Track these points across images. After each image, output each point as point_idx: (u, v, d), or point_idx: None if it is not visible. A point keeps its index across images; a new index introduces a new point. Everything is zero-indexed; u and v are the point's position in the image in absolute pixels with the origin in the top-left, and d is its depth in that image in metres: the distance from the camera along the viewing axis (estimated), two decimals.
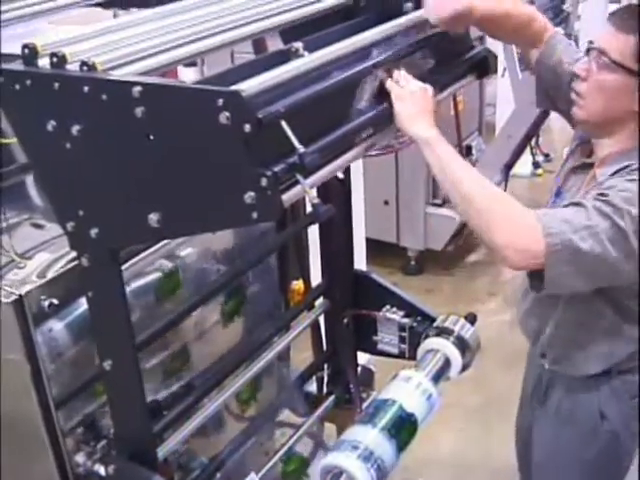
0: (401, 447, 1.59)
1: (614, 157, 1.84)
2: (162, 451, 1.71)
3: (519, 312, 2.16)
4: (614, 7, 5.48)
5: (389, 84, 1.63)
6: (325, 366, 2.36)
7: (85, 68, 1.33)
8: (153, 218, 1.33)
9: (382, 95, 1.62)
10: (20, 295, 1.57)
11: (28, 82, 1.35)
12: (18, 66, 1.38)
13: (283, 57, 1.53)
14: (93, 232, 1.41)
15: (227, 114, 1.20)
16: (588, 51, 1.83)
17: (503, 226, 1.68)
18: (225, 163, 1.26)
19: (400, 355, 2.17)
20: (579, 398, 2.04)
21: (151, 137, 1.28)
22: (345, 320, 2.25)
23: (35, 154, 1.44)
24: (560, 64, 1.97)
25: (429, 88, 1.67)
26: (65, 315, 1.69)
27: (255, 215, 1.26)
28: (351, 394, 2.28)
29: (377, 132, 1.60)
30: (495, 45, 2.18)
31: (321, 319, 2.32)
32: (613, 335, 1.95)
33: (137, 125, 1.27)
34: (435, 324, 1.96)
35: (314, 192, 1.36)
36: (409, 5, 1.84)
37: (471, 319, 1.96)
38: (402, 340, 2.15)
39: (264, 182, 1.23)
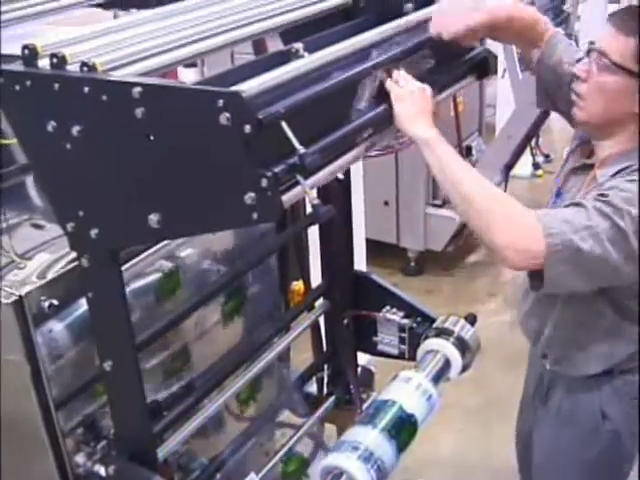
0: (401, 448, 1.59)
1: (614, 158, 1.84)
2: (162, 452, 1.71)
3: (519, 313, 2.16)
4: (614, 7, 5.50)
5: (388, 84, 1.63)
6: (325, 367, 2.36)
7: (85, 69, 1.33)
8: (153, 219, 1.33)
9: (382, 95, 1.62)
10: (20, 296, 1.57)
11: (28, 83, 1.35)
12: (18, 67, 1.38)
13: (283, 58, 1.53)
14: (93, 233, 1.41)
15: (227, 115, 1.20)
16: (589, 52, 1.83)
17: (503, 226, 1.68)
18: (225, 164, 1.26)
19: (400, 356, 2.18)
20: (580, 398, 2.04)
21: (151, 138, 1.28)
22: (345, 321, 2.25)
23: (35, 155, 1.44)
24: (560, 64, 1.97)
25: (427, 88, 1.67)
26: (65, 316, 1.69)
27: (255, 216, 1.26)
28: (351, 395, 2.28)
29: (377, 133, 1.60)
30: (495, 46, 2.18)
31: (321, 320, 2.32)
32: (613, 335, 1.95)
33: (137, 126, 1.27)
34: (435, 325, 1.96)
35: (314, 193, 1.36)
36: (409, 6, 1.84)
37: (471, 320, 1.96)
38: (402, 341, 2.15)
39: (264, 183, 1.23)
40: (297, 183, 1.31)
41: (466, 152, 4.67)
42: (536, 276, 1.73)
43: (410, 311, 2.14)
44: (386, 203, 4.66)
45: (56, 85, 1.33)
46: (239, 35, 1.65)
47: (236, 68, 1.58)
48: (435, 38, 1.75)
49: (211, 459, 1.98)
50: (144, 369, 1.76)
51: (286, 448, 2.14)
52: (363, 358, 2.39)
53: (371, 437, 1.57)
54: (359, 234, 2.97)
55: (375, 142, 1.61)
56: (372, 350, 2.25)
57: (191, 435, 1.83)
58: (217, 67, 1.59)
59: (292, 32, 1.76)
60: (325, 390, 2.36)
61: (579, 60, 1.87)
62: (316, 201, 1.33)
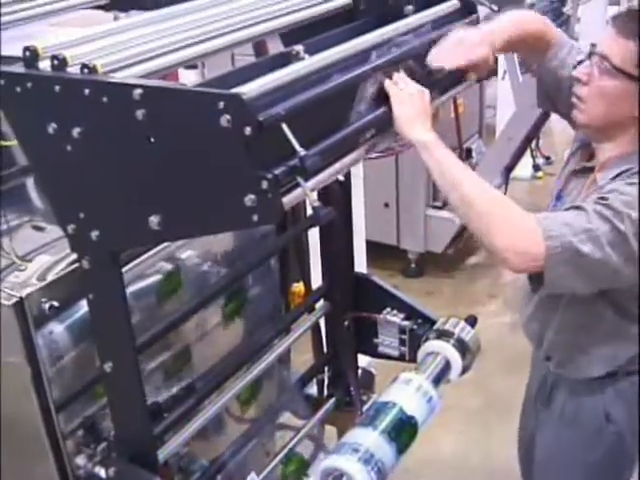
0: (401, 450, 1.59)
1: (614, 161, 1.84)
2: (162, 453, 1.71)
3: (522, 316, 2.15)
4: (614, 9, 5.51)
5: (387, 85, 1.62)
6: (325, 368, 2.36)
7: (86, 71, 1.34)
8: (154, 220, 1.33)
9: (382, 98, 1.62)
10: (21, 297, 1.57)
11: (29, 85, 1.36)
12: (19, 69, 1.38)
13: (284, 60, 1.53)
14: (94, 234, 1.41)
15: (228, 117, 1.20)
16: (590, 55, 1.83)
17: (503, 229, 1.68)
18: (226, 166, 1.26)
19: (400, 358, 2.18)
20: (584, 400, 2.04)
21: (152, 140, 1.28)
22: (345, 322, 2.25)
23: (36, 156, 1.44)
24: (561, 68, 1.97)
25: (426, 92, 1.67)
26: (66, 317, 1.69)
27: (255, 218, 1.26)
28: (351, 397, 2.28)
29: (377, 135, 1.60)
30: None
31: (321, 321, 2.32)
32: (616, 337, 1.95)
33: (138, 128, 1.27)
34: (435, 326, 1.96)
35: (314, 195, 1.36)
36: (409, 8, 1.84)
37: (471, 321, 1.96)
38: (402, 343, 2.15)
39: (265, 185, 1.23)
40: (297, 185, 1.31)
41: (466, 154, 4.66)
42: (536, 278, 1.73)
43: (410, 313, 2.14)
44: (386, 205, 4.65)
45: (57, 87, 1.33)
46: (240, 37, 1.66)
47: (237, 70, 1.59)
48: (435, 70, 1.73)
49: (211, 461, 1.98)
50: (144, 371, 1.77)
51: (286, 450, 2.14)
52: (363, 360, 2.39)
53: (371, 439, 1.57)
54: (359, 236, 2.97)
55: (375, 144, 1.61)
56: (372, 352, 2.25)
57: (191, 437, 1.83)
58: (218, 69, 1.59)
59: (293, 34, 1.77)
60: (325, 392, 2.36)
61: (580, 62, 1.87)
62: (316, 203, 1.33)
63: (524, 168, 5.62)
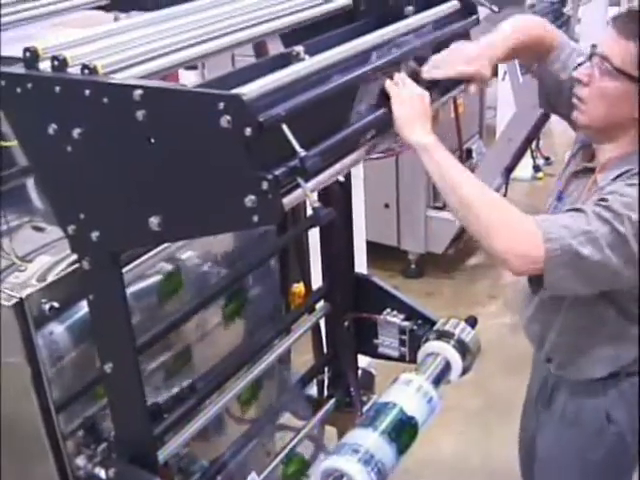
0: (401, 450, 1.59)
1: (615, 162, 1.84)
2: (163, 454, 1.71)
3: (523, 318, 2.15)
4: (614, 10, 5.52)
5: (388, 85, 1.62)
6: (326, 369, 2.36)
7: (86, 71, 1.33)
8: (154, 221, 1.33)
9: (382, 98, 1.62)
10: (21, 298, 1.57)
11: (29, 85, 1.35)
12: (19, 69, 1.38)
13: (284, 60, 1.53)
14: (94, 235, 1.41)
15: (228, 117, 1.20)
16: (591, 56, 1.83)
17: (502, 232, 1.68)
18: (226, 166, 1.26)
19: (400, 358, 2.18)
20: (585, 401, 2.04)
21: (152, 140, 1.28)
22: (346, 323, 2.25)
23: (36, 157, 1.44)
24: (562, 70, 1.96)
25: (426, 95, 1.67)
26: (66, 318, 1.69)
27: (256, 218, 1.26)
28: (352, 397, 2.28)
29: (378, 135, 1.60)
30: None
31: (322, 322, 2.32)
32: (618, 338, 1.95)
33: (138, 128, 1.27)
34: (435, 327, 1.96)
35: (315, 195, 1.36)
36: (409, 8, 1.84)
37: (471, 322, 1.96)
38: (402, 343, 2.15)
39: (265, 185, 1.23)
40: (298, 186, 1.31)
41: (466, 155, 4.66)
42: (536, 280, 1.73)
43: (410, 313, 2.14)
44: (387, 206, 4.66)
45: (57, 88, 1.33)
46: (240, 38, 1.66)
47: (237, 71, 1.58)
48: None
49: (212, 461, 1.98)
50: (145, 371, 1.77)
51: (287, 450, 2.14)
52: (364, 360, 2.39)
53: (371, 440, 1.57)
54: (360, 236, 2.97)
55: (376, 145, 1.61)
56: (372, 352, 2.25)
57: (192, 437, 1.83)
58: (218, 69, 1.59)
59: (293, 35, 1.77)
60: (325, 392, 2.36)
61: (581, 64, 1.87)
62: (317, 204, 1.32)
63: (524, 169, 5.62)
